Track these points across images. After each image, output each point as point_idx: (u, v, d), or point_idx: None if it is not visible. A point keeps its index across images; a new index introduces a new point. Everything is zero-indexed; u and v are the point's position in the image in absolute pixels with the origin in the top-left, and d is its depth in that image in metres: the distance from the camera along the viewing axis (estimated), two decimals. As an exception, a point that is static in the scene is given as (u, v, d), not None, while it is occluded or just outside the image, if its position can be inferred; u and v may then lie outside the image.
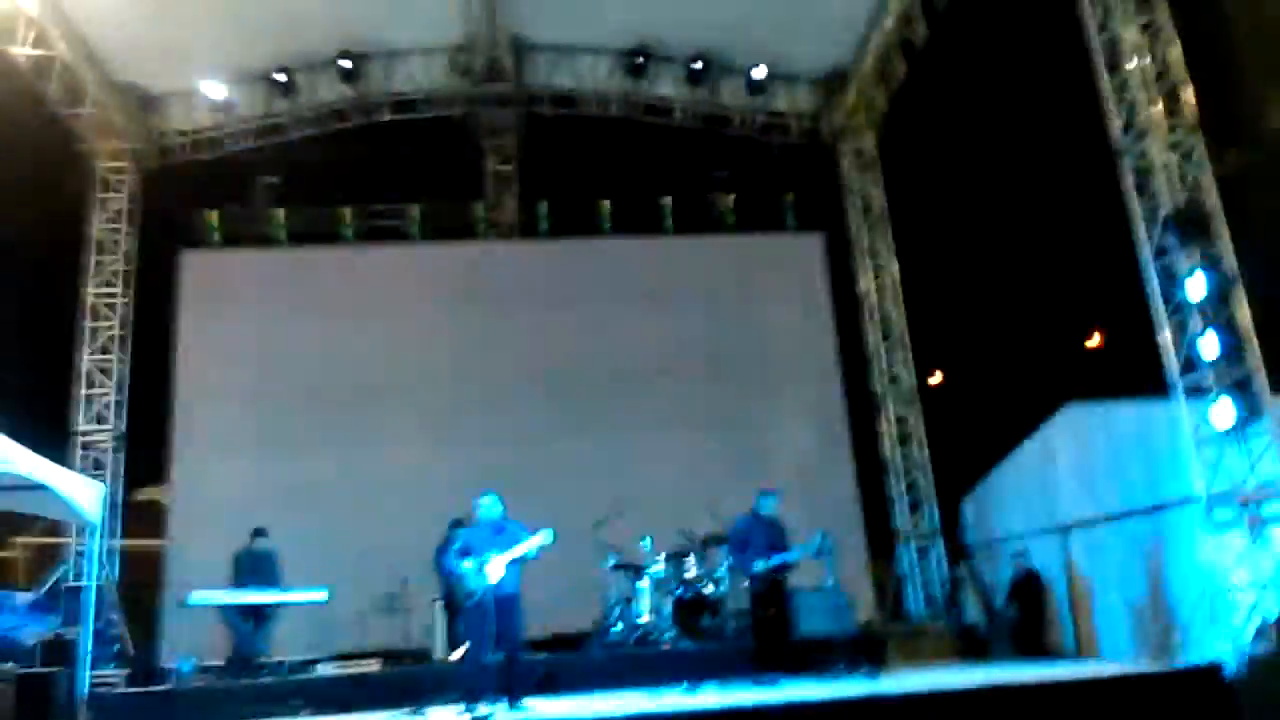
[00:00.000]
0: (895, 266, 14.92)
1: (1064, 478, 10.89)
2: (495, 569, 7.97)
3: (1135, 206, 9.23)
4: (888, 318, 14.82)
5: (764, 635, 9.22)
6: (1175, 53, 9.12)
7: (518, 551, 8.05)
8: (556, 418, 13.95)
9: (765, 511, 9.59)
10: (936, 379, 19.21)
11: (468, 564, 8.00)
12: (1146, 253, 9.14)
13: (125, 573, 13.27)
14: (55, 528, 13.37)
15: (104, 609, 11.61)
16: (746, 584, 9.53)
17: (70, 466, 12.42)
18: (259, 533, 10.88)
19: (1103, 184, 9.74)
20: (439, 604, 10.73)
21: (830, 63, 15.04)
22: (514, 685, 7.98)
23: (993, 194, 16.50)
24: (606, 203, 15.60)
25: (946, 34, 13.20)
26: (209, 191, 15.13)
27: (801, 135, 15.73)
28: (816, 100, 15.62)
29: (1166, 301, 8.97)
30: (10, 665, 8.76)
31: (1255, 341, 8.34)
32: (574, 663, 9.91)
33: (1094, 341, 19.16)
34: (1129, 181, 9.28)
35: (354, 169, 15.59)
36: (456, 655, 9.68)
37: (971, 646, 11.23)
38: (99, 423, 13.47)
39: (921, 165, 15.86)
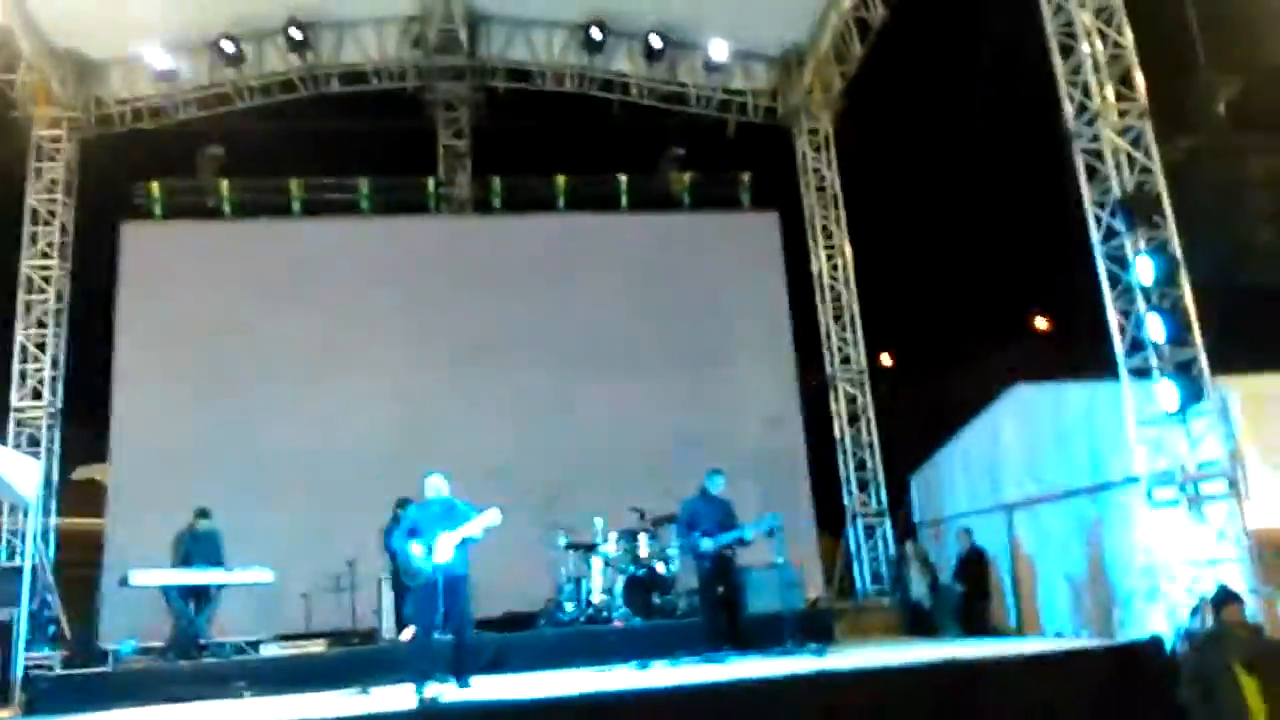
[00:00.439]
0: (848, 247, 14.97)
1: (1010, 457, 11.05)
2: (444, 549, 7.88)
3: (1085, 190, 9.33)
4: (840, 298, 14.88)
5: (713, 613, 9.24)
6: (1127, 38, 9.20)
7: (466, 531, 7.96)
8: (508, 396, 13.82)
9: (713, 490, 9.60)
10: (887, 360, 19.39)
11: (416, 545, 7.90)
12: (1095, 236, 9.25)
13: (63, 553, 12.94)
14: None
15: (40, 590, 11.32)
16: (695, 562, 9.53)
17: (4, 443, 12.09)
18: (202, 513, 10.64)
19: (1054, 167, 9.82)
20: (386, 584, 10.60)
21: (788, 42, 15.01)
22: (462, 665, 7.92)
23: (946, 177, 16.61)
24: (562, 179, 15.46)
25: (903, 16, 13.21)
26: (151, 162, 14.67)
27: (758, 114, 15.69)
28: (773, 79, 15.58)
29: (1114, 284, 9.10)
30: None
31: (1198, 324, 8.48)
32: (525, 642, 9.84)
33: (1042, 323, 19.46)
34: (1080, 165, 9.38)
35: (302, 141, 15.19)
36: (405, 636, 9.59)
37: (917, 623, 11.37)
38: (35, 398, 13.08)
39: (877, 147, 15.88)
